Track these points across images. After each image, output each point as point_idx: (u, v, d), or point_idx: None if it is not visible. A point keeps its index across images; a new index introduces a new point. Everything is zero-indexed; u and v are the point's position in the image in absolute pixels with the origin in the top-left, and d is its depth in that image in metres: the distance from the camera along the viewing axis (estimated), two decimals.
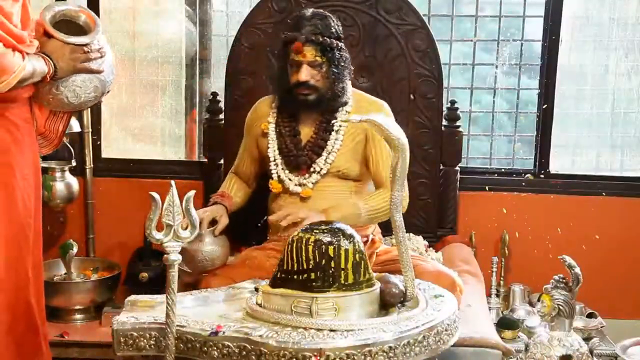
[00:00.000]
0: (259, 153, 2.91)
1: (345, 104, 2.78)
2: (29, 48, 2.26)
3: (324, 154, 2.77)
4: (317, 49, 2.68)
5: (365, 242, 2.81)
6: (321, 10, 2.81)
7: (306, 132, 2.80)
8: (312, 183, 2.77)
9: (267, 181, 2.89)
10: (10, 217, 2.31)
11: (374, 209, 2.69)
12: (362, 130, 2.77)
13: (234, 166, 3.03)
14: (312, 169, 2.77)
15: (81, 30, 2.38)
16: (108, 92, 2.48)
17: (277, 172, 2.81)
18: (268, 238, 2.92)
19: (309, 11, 2.77)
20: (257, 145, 2.91)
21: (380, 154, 2.76)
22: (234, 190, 2.95)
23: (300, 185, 2.78)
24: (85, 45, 2.32)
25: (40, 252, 2.50)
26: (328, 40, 2.69)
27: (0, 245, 2.28)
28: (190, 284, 2.81)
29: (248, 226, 3.28)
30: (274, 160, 2.81)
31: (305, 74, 2.68)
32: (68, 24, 2.37)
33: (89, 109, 3.61)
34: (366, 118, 2.16)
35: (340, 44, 2.74)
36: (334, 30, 2.73)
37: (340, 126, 2.77)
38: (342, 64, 2.74)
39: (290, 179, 2.79)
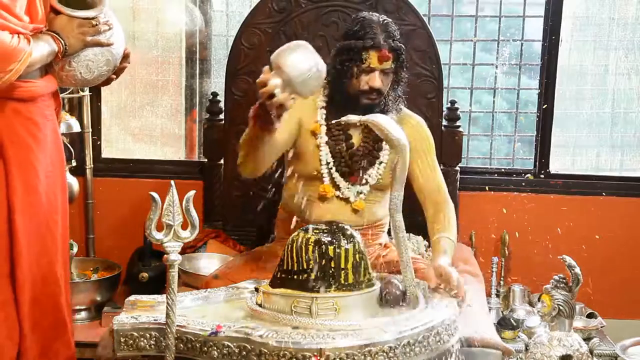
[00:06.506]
0: (296, 141, 2.72)
1: (397, 111, 2.71)
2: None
3: (377, 164, 2.72)
4: (393, 56, 2.62)
5: (379, 247, 2.81)
6: (382, 16, 2.72)
7: (356, 137, 2.73)
8: (364, 194, 2.71)
9: (272, 177, 2.86)
10: (32, 215, 2.31)
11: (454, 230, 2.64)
12: None
13: None
14: (364, 180, 2.71)
15: (87, 5, 2.37)
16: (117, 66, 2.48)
17: (330, 176, 2.71)
18: (274, 237, 2.90)
19: (374, 16, 2.68)
20: (298, 131, 2.72)
21: (428, 167, 2.72)
22: None
23: (348, 189, 2.70)
24: (93, 18, 2.33)
25: (68, 249, 2.51)
26: (403, 47, 2.64)
27: (22, 243, 2.29)
28: (190, 285, 2.81)
29: (250, 227, 3.28)
30: (327, 163, 2.70)
31: (378, 80, 2.61)
32: (74, 1, 2.37)
33: (89, 109, 3.63)
34: (365, 118, 2.16)
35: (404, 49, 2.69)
36: (398, 36, 2.67)
37: None
38: (406, 70, 2.71)
39: (344, 185, 2.71)
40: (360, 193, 2.72)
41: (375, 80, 2.61)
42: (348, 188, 2.71)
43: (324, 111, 2.73)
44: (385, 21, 2.67)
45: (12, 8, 2.20)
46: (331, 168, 2.71)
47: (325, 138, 2.71)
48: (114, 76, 2.51)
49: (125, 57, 2.49)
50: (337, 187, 2.72)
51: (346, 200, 2.71)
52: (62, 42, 2.28)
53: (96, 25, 2.32)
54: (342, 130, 2.72)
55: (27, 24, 2.24)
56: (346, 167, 2.71)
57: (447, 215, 2.66)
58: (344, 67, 2.64)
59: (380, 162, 2.72)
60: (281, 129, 2.49)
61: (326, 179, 2.72)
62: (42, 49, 2.23)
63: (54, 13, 2.31)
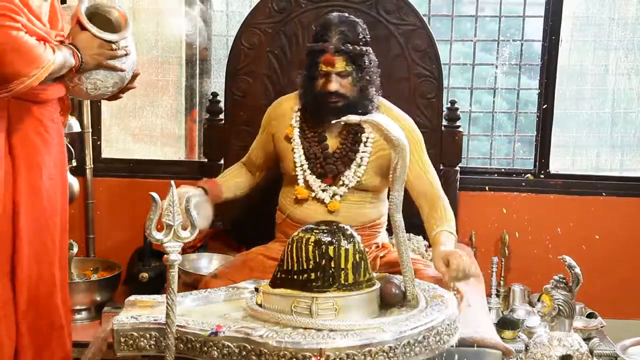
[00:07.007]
0: (275, 152, 2.86)
1: (374, 110, 2.71)
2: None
3: (353, 166, 2.72)
4: (347, 59, 2.62)
5: (377, 248, 2.81)
6: (348, 16, 2.75)
7: (333, 139, 2.76)
8: (340, 195, 2.73)
9: (273, 177, 2.88)
10: (34, 216, 2.34)
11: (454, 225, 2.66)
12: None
13: (245, 156, 3.01)
14: (340, 182, 2.73)
15: (111, 26, 2.42)
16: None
17: (304, 177, 2.76)
18: (275, 237, 2.91)
19: (336, 17, 2.70)
20: (273, 144, 2.86)
21: (420, 168, 2.73)
22: (228, 176, 2.94)
23: (324, 191, 2.73)
24: (114, 42, 2.37)
25: (66, 251, 2.53)
26: (357, 48, 2.63)
27: (22, 245, 2.31)
28: (190, 284, 2.81)
29: (251, 227, 3.28)
30: (301, 165, 2.76)
31: (334, 84, 2.63)
32: (99, 18, 2.41)
33: (89, 109, 3.63)
34: (365, 118, 2.15)
35: (368, 49, 2.69)
36: (362, 36, 2.67)
37: (368, 138, 2.73)
38: (371, 70, 2.69)
39: (319, 186, 2.74)
40: (335, 194, 2.73)
41: (330, 83, 2.64)
42: (323, 190, 2.73)
43: (299, 114, 2.79)
44: (347, 21, 2.67)
45: (39, 16, 2.25)
46: (305, 170, 2.75)
47: (298, 140, 2.77)
48: (122, 95, 2.57)
49: (134, 77, 2.55)
50: (312, 189, 2.75)
51: (322, 201, 2.74)
52: (80, 58, 2.33)
53: (116, 49, 2.38)
54: (317, 133, 2.75)
55: (51, 31, 2.29)
56: (321, 169, 2.74)
57: (444, 210, 2.67)
58: (308, 71, 2.69)
59: (359, 165, 2.72)
60: (258, 155, 2.91)
61: (300, 181, 2.76)
62: (62, 61, 2.27)
63: (79, 27, 2.35)
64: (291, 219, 2.79)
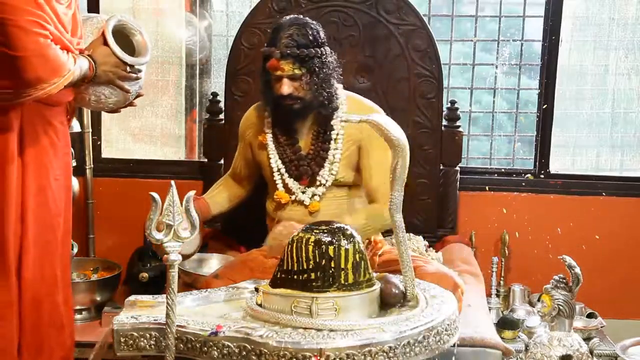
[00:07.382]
0: (254, 160, 2.89)
1: (337, 109, 2.72)
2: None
3: (327, 165, 2.74)
4: (294, 62, 2.61)
5: (367, 245, 2.81)
6: (300, 18, 2.73)
7: (305, 141, 2.78)
8: (319, 195, 2.75)
9: (265, 183, 2.90)
10: (39, 217, 2.36)
11: (361, 225, 2.61)
12: (355, 140, 2.74)
13: (230, 169, 3.03)
14: (317, 182, 2.75)
15: (131, 46, 2.46)
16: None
17: (282, 181, 2.78)
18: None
19: (287, 21, 2.69)
20: (251, 153, 2.90)
21: (370, 166, 2.73)
22: (216, 192, 2.96)
23: (303, 193, 2.75)
24: (131, 65, 2.41)
25: (69, 252, 2.55)
26: (305, 51, 2.62)
27: (28, 244, 2.33)
28: (190, 284, 2.81)
29: (249, 227, 3.28)
30: (278, 170, 2.78)
31: (286, 87, 2.63)
32: (121, 36, 2.45)
33: (89, 110, 3.63)
34: (366, 118, 2.15)
35: (320, 50, 2.66)
36: (311, 38, 2.64)
37: (337, 135, 2.74)
38: (325, 71, 2.67)
39: (298, 188, 2.76)
40: (315, 195, 2.75)
41: (282, 87, 2.65)
42: (303, 192, 2.75)
43: (270, 120, 2.81)
44: (296, 24, 2.66)
45: (64, 23, 2.28)
46: (282, 174, 2.77)
47: (273, 146, 2.79)
48: (120, 110, 2.61)
49: (136, 97, 2.58)
50: (292, 192, 2.77)
51: (302, 203, 2.76)
52: (94, 70, 2.36)
53: (129, 72, 2.42)
54: (288, 136, 2.77)
55: (72, 39, 2.32)
56: (297, 171, 2.76)
57: (365, 212, 2.70)
58: (265, 76, 2.70)
59: (332, 162, 2.74)
60: (240, 165, 2.92)
61: (279, 185, 2.78)
62: (79, 71, 2.31)
63: (102, 39, 2.39)
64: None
